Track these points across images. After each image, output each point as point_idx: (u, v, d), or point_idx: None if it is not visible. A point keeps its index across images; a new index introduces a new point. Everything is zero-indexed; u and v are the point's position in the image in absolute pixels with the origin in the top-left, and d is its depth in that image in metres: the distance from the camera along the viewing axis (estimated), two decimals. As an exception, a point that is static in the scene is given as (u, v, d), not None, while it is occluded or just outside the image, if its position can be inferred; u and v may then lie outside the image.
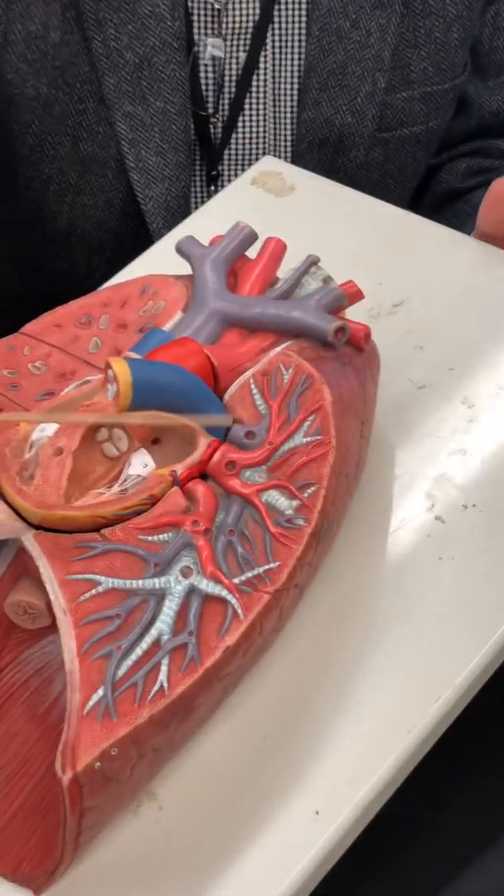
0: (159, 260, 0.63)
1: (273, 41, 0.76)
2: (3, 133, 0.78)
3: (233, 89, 0.77)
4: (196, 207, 0.81)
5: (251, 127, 0.79)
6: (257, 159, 0.80)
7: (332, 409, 0.45)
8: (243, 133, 0.79)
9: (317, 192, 0.68)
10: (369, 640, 0.47)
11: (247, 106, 0.78)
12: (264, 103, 0.78)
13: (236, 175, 0.80)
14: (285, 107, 0.78)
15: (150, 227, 0.78)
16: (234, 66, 0.76)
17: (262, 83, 0.77)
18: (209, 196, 0.81)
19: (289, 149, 0.80)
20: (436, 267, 0.63)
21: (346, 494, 0.47)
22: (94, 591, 0.39)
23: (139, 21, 0.71)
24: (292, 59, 0.77)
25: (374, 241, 0.65)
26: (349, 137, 0.79)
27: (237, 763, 0.43)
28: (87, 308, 0.51)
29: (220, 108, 0.77)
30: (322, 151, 0.79)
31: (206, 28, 0.75)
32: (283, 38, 0.76)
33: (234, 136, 0.79)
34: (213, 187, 0.81)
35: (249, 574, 0.41)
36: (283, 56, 0.77)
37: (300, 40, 0.76)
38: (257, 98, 0.78)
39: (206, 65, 0.76)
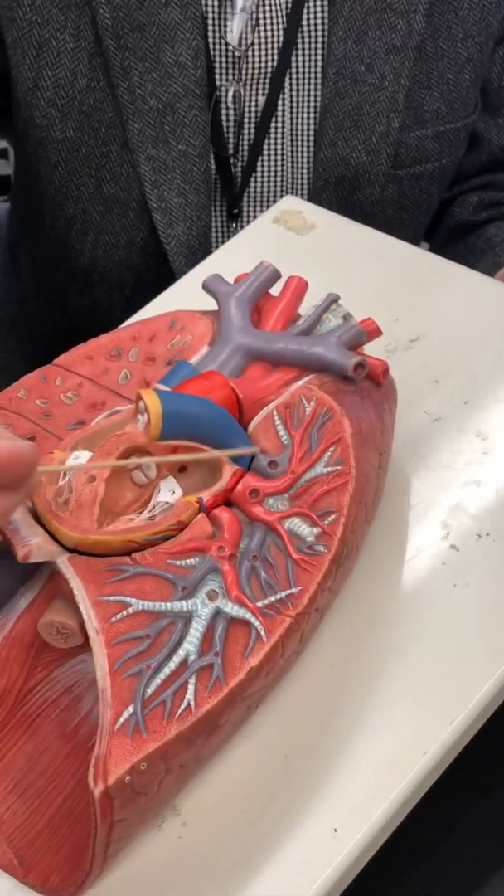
0: (181, 297, 0.65)
1: (291, 85, 0.79)
2: (31, 175, 0.81)
3: (252, 131, 0.79)
4: (217, 245, 0.83)
5: (270, 166, 0.81)
6: (276, 197, 0.82)
7: (351, 440, 0.47)
8: (262, 173, 0.81)
9: (336, 230, 0.70)
10: (386, 664, 0.48)
11: (266, 147, 0.80)
12: (282, 144, 0.80)
13: (256, 213, 0.83)
14: (303, 147, 0.81)
15: (173, 265, 0.80)
16: (253, 110, 0.79)
17: (280, 125, 0.80)
18: (229, 234, 0.83)
19: (306, 187, 0.82)
20: (450, 304, 0.65)
21: (364, 522, 0.48)
22: (125, 613, 0.41)
23: (163, 69, 0.74)
24: (309, 102, 0.79)
25: (391, 278, 0.67)
26: (365, 175, 0.81)
27: (258, 781, 0.45)
28: (118, 341, 0.53)
29: (240, 149, 0.80)
30: (339, 189, 0.81)
31: (226, 74, 0.77)
32: (301, 82, 0.79)
33: (253, 175, 0.81)
34: (233, 225, 0.83)
35: (272, 598, 0.43)
36: (301, 99, 0.79)
37: (316, 84, 0.79)
38: (276, 139, 0.80)
39: (226, 109, 0.78)
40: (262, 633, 0.42)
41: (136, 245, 0.82)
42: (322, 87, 0.78)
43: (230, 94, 0.78)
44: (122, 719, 0.39)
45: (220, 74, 0.77)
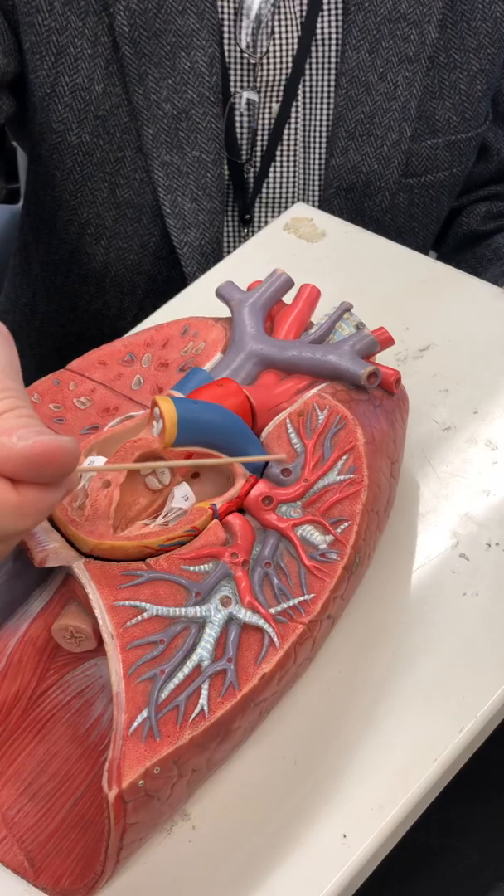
0: (192, 301, 0.66)
1: (304, 93, 0.79)
2: (45, 178, 0.81)
3: (266, 138, 0.80)
4: (228, 251, 0.83)
5: (282, 173, 0.82)
6: (287, 204, 0.83)
7: (364, 449, 0.48)
8: (275, 179, 0.82)
9: (347, 238, 0.70)
10: (396, 671, 0.48)
11: (279, 153, 0.81)
12: (295, 151, 0.81)
13: (267, 219, 0.83)
14: (315, 154, 0.81)
15: (185, 270, 0.81)
16: (266, 117, 0.79)
17: (293, 132, 0.80)
18: (241, 239, 0.84)
19: (317, 194, 0.83)
20: (460, 313, 0.65)
21: (376, 531, 0.49)
22: (139, 618, 0.41)
23: (179, 76, 0.75)
24: (322, 110, 0.80)
25: (401, 287, 0.67)
26: (375, 183, 0.81)
27: (268, 786, 0.45)
28: (131, 347, 0.53)
29: (254, 155, 0.81)
30: (349, 196, 0.82)
31: (241, 81, 0.78)
32: (314, 90, 0.79)
33: (265, 182, 0.82)
34: (245, 231, 0.84)
35: (285, 605, 0.43)
36: (314, 107, 0.80)
37: (329, 92, 0.79)
38: (288, 146, 0.81)
39: (240, 115, 0.79)
40: (275, 639, 0.42)
41: (149, 249, 0.82)
42: (335, 95, 0.79)
43: (244, 101, 0.78)
44: (136, 723, 0.39)
45: (235, 81, 0.78)
